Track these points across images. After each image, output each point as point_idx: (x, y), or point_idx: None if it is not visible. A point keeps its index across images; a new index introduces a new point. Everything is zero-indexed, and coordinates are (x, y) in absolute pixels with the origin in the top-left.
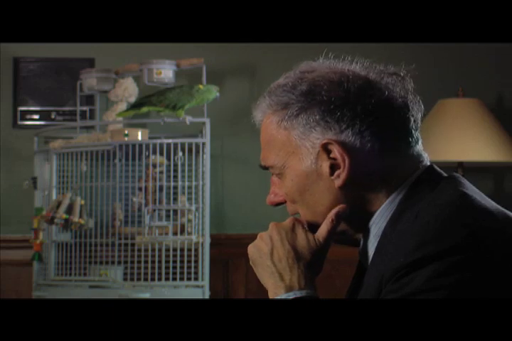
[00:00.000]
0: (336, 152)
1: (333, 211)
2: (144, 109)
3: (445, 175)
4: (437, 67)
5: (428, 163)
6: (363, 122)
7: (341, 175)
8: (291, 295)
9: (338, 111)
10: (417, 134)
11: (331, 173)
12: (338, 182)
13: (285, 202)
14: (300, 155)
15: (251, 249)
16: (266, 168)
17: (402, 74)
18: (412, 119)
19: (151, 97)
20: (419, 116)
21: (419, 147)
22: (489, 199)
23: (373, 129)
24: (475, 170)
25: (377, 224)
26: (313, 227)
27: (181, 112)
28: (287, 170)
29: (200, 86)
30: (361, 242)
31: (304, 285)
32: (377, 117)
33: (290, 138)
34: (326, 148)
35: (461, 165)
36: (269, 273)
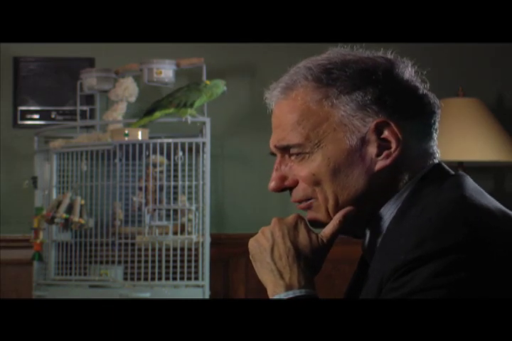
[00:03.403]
0: (390, 132)
1: (341, 212)
2: (157, 114)
3: (452, 173)
4: (437, 67)
5: (437, 161)
6: (413, 108)
7: (392, 155)
8: (290, 294)
9: (396, 93)
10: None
11: (378, 154)
12: (384, 163)
13: (293, 187)
14: (344, 133)
15: (252, 244)
16: (283, 149)
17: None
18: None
19: (160, 101)
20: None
21: (436, 143)
22: (492, 199)
23: (418, 116)
24: (475, 170)
25: (382, 219)
26: (316, 225)
27: (191, 111)
28: (323, 148)
29: (207, 81)
30: (365, 237)
31: (304, 284)
32: (422, 106)
33: (335, 115)
34: (378, 128)
35: (461, 165)
36: (269, 271)
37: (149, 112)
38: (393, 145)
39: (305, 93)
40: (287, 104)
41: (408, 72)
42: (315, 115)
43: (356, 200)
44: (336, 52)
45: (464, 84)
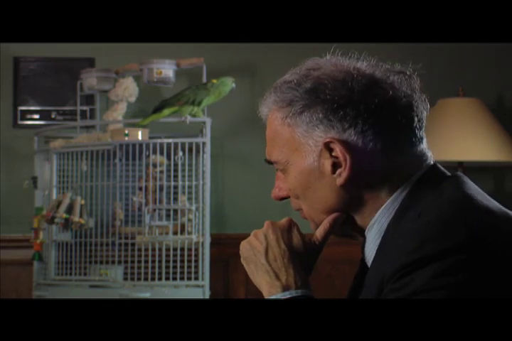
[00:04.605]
0: (338, 151)
1: (331, 216)
2: (165, 112)
3: (448, 174)
4: (437, 67)
5: (432, 162)
6: (365, 121)
7: (343, 173)
8: (287, 295)
9: (341, 110)
10: (421, 133)
11: (333, 171)
12: (339, 181)
13: (289, 197)
14: (303, 153)
15: (244, 246)
16: (271, 163)
17: (408, 73)
18: (416, 119)
19: (169, 99)
20: (425, 114)
21: (424, 146)
22: (492, 199)
23: (376, 129)
24: (475, 170)
25: (380, 221)
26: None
27: (197, 109)
28: (291, 166)
29: (214, 80)
30: (364, 239)
31: (300, 284)
32: (380, 117)
33: (293, 135)
34: (328, 147)
35: (461, 165)
36: (263, 272)
37: (158, 110)
38: (343, 164)
39: (273, 112)
40: (269, 119)
41: (365, 80)
42: (281, 134)
43: (333, 212)
44: (306, 65)
45: (464, 84)
